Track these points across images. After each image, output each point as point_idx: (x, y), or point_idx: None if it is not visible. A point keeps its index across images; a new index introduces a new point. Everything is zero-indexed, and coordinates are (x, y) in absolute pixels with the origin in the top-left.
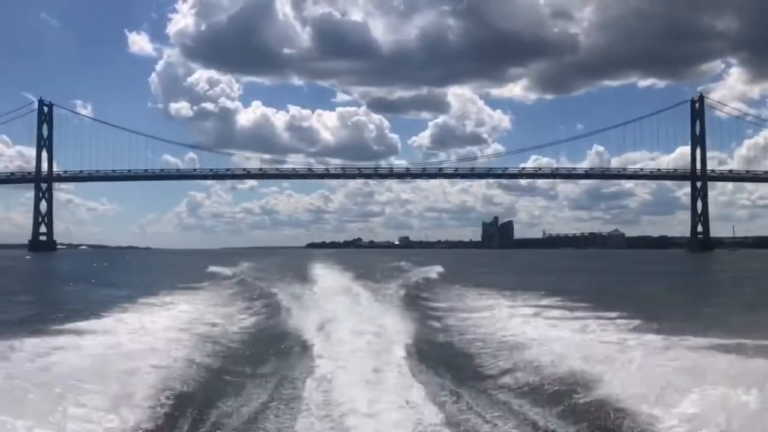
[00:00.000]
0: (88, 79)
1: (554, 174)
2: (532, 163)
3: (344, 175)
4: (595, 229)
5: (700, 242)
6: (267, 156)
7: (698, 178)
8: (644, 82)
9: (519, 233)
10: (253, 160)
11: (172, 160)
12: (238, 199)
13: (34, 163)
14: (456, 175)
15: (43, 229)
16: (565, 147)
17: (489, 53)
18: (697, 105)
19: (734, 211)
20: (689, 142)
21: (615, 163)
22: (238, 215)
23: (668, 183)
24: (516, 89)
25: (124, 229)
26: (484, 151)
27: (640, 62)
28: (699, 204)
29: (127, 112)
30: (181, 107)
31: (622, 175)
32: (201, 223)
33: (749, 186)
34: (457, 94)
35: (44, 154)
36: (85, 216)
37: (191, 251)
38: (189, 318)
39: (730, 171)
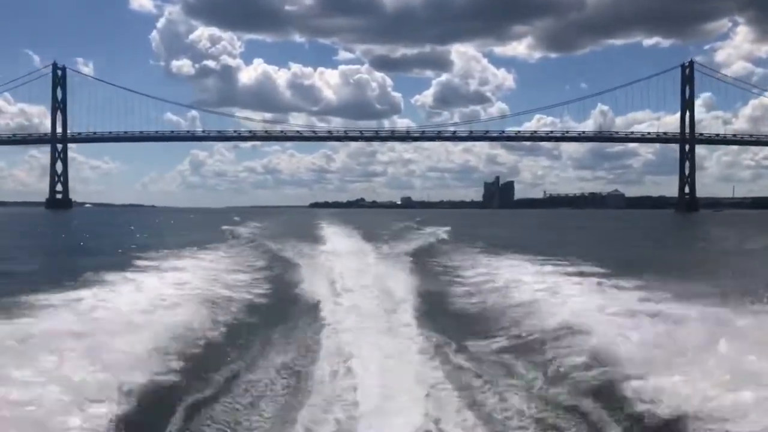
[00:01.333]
0: (88, 36)
1: (548, 137)
2: (535, 122)
3: (346, 137)
4: (598, 189)
5: (687, 203)
6: (268, 115)
7: (687, 141)
8: (649, 41)
9: (523, 193)
10: (254, 119)
11: (174, 119)
12: (241, 157)
13: (36, 120)
14: (454, 137)
15: (57, 187)
16: (569, 106)
17: (493, 11)
18: (687, 70)
19: (738, 171)
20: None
21: (619, 122)
22: (241, 174)
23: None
24: (520, 47)
25: (128, 188)
26: (487, 110)
27: (645, 20)
28: (687, 166)
29: (128, 70)
30: (183, 65)
31: (614, 138)
32: (204, 181)
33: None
34: (461, 52)
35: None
36: (88, 174)
37: (196, 209)
38: (202, 277)
39: (717, 135)
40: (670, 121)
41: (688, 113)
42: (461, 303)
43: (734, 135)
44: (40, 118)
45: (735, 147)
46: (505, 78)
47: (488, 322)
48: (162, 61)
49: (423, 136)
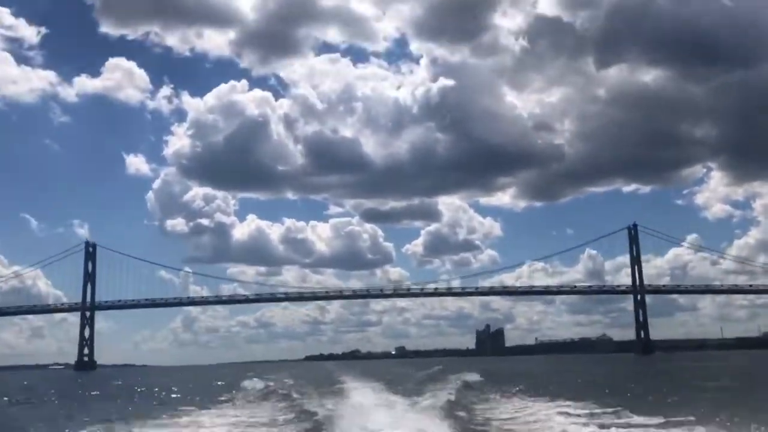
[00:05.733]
0: (86, 199)
1: (508, 290)
2: (526, 268)
3: (341, 296)
4: (596, 333)
5: (643, 346)
6: (262, 268)
7: (638, 292)
8: (628, 188)
9: (520, 338)
10: (248, 272)
11: (167, 277)
12: (234, 312)
13: (29, 282)
14: (436, 293)
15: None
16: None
17: (477, 164)
18: (632, 231)
19: (733, 311)
20: (679, 244)
21: (608, 266)
22: (234, 329)
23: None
24: (505, 197)
25: (118, 347)
26: (477, 256)
27: (624, 169)
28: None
29: (123, 230)
30: (177, 223)
31: (573, 291)
32: (196, 338)
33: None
34: (448, 203)
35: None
36: (76, 335)
37: (190, 368)
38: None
39: (664, 285)
40: (658, 263)
41: (636, 267)
42: None
43: (678, 285)
44: (33, 280)
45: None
46: (493, 226)
47: None
48: (156, 220)
49: (410, 293)
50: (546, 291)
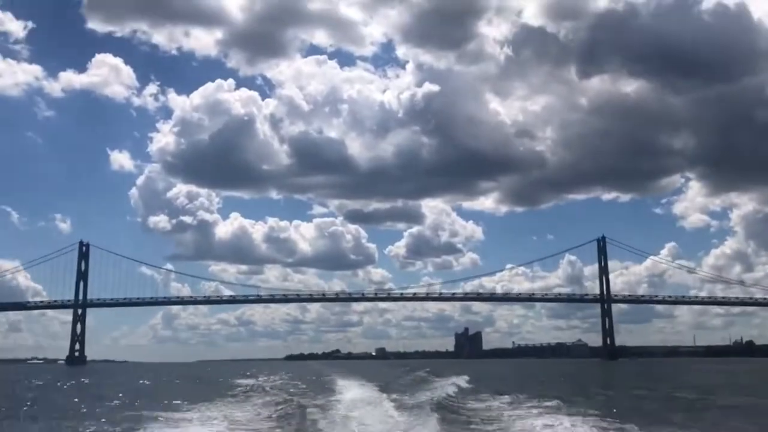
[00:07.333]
0: (69, 194)
1: (482, 297)
2: (507, 273)
3: (323, 299)
4: (574, 338)
5: (608, 352)
6: (244, 267)
7: (605, 301)
8: (608, 196)
9: (498, 342)
10: (230, 271)
11: (148, 273)
12: (214, 310)
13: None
14: (415, 298)
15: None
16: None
17: (460, 169)
18: (600, 243)
19: (709, 320)
20: (658, 253)
21: (587, 271)
22: (214, 327)
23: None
24: (487, 202)
25: (98, 343)
26: (459, 260)
27: (603, 177)
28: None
29: (106, 226)
30: (160, 220)
31: (544, 298)
32: (176, 335)
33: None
34: (431, 206)
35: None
36: (58, 330)
37: (170, 364)
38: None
39: (629, 295)
40: (636, 271)
41: (604, 277)
42: None
43: (642, 296)
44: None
45: (704, 294)
46: (474, 230)
47: None
48: (139, 217)
49: (390, 297)
50: (518, 298)
